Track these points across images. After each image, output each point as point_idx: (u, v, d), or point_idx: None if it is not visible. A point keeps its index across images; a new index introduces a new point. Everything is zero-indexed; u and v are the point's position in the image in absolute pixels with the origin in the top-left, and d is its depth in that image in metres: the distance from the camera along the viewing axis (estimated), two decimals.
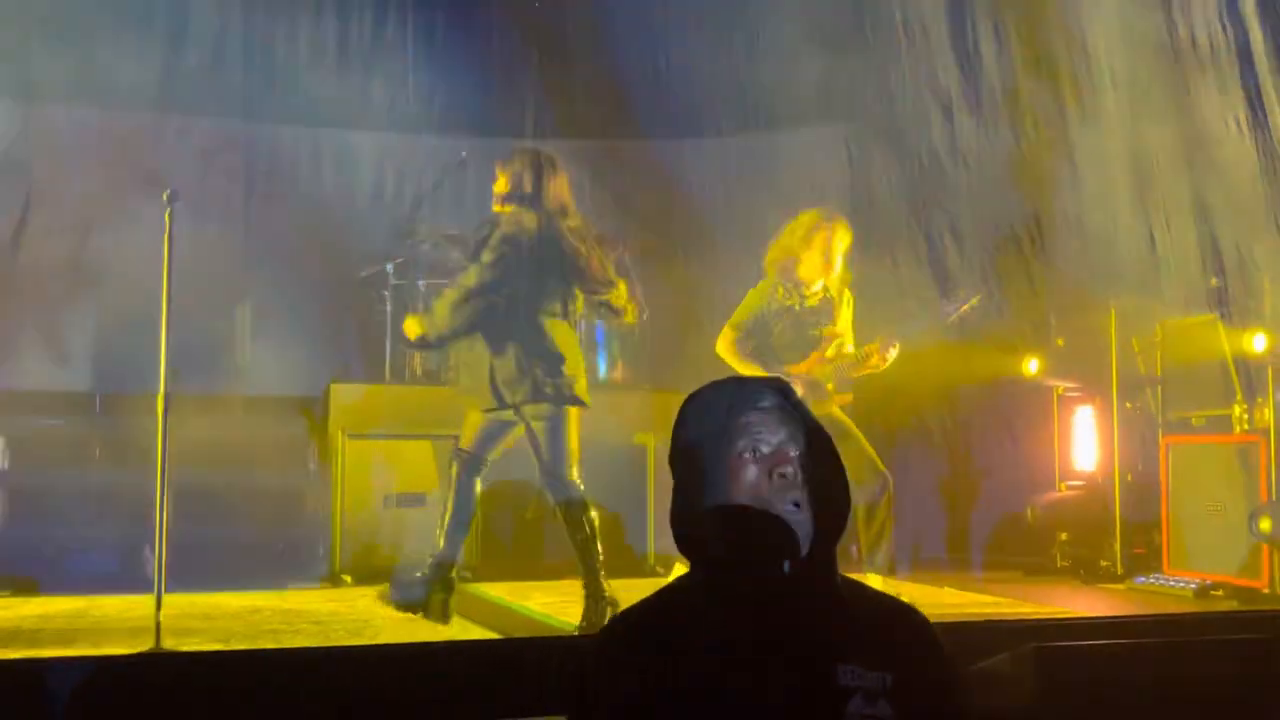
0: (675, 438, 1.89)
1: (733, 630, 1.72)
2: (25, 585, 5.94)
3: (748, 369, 5.19)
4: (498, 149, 8.52)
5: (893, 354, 5.19)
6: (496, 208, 5.05)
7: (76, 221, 6.89)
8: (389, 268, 7.74)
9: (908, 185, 7.18)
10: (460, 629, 4.89)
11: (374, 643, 4.51)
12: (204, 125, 7.73)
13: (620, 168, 8.46)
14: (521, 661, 4.05)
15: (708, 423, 1.83)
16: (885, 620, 1.82)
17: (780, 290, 5.36)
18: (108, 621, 4.96)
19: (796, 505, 1.77)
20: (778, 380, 1.89)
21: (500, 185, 5.06)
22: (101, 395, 7.25)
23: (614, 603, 4.72)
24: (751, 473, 1.78)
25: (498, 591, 5.97)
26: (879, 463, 5.17)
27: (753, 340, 5.34)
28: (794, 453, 1.80)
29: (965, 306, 5.27)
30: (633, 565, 6.62)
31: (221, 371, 6.87)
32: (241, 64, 7.55)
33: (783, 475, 1.78)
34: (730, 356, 5.33)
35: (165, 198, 4.41)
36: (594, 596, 4.78)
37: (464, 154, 8.01)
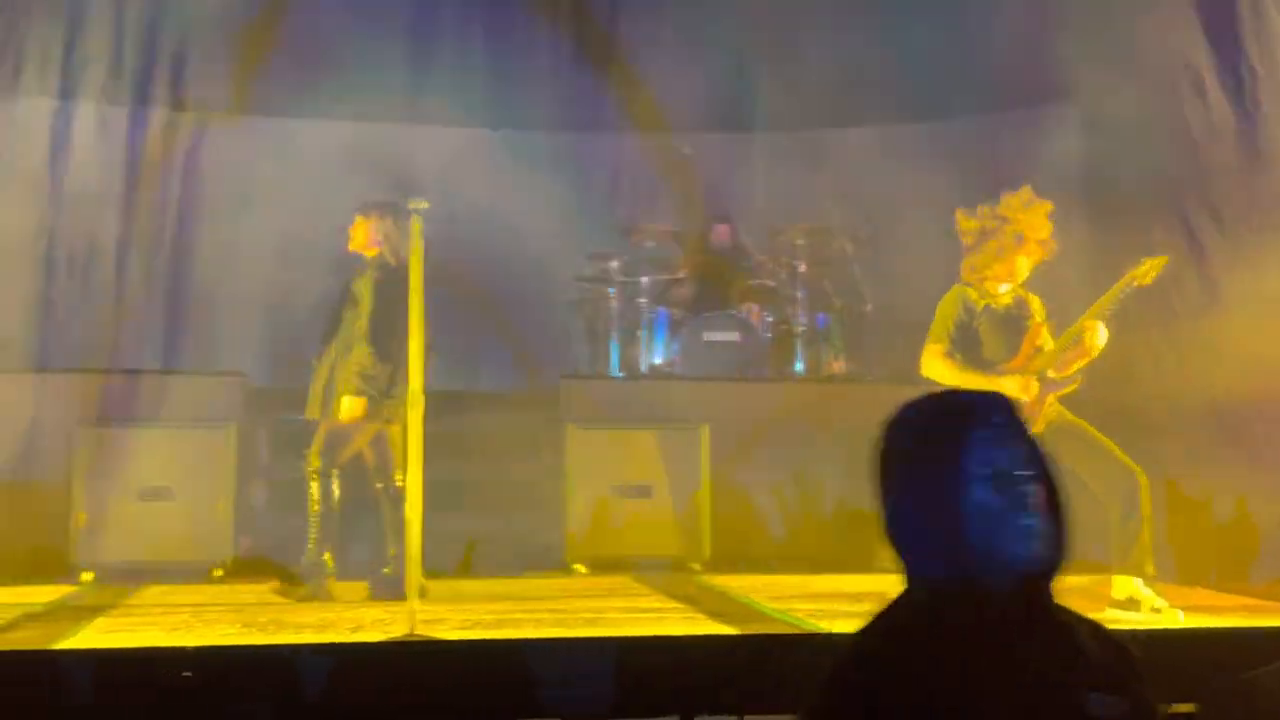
0: (892, 449, 1.85)
1: (974, 655, 1.68)
2: (288, 574, 6.37)
3: (969, 380, 4.95)
4: (723, 144, 8.65)
5: (1103, 335, 4.87)
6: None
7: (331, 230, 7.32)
8: (614, 265, 7.92)
9: (1147, 166, 6.77)
10: (692, 622, 4.93)
11: (609, 633, 4.58)
12: (449, 134, 8.08)
13: (841, 157, 8.35)
14: (759, 658, 4.07)
15: (933, 438, 1.79)
16: (1106, 644, 1.78)
17: (972, 292, 5.14)
18: (363, 608, 5.22)
19: (1030, 525, 1.73)
20: (1001, 396, 1.85)
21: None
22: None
23: None
24: (983, 492, 1.74)
25: (730, 585, 5.99)
26: (1127, 460, 4.88)
27: (959, 352, 5.11)
28: (1026, 471, 1.75)
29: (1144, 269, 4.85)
30: (867, 561, 6.52)
31: (462, 368, 7.16)
32: (481, 73, 7.84)
33: (1018, 494, 1.73)
34: (943, 372, 5.01)
35: (413, 205, 4.62)
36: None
37: (687, 150, 8.10)
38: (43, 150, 6.61)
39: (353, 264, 5.80)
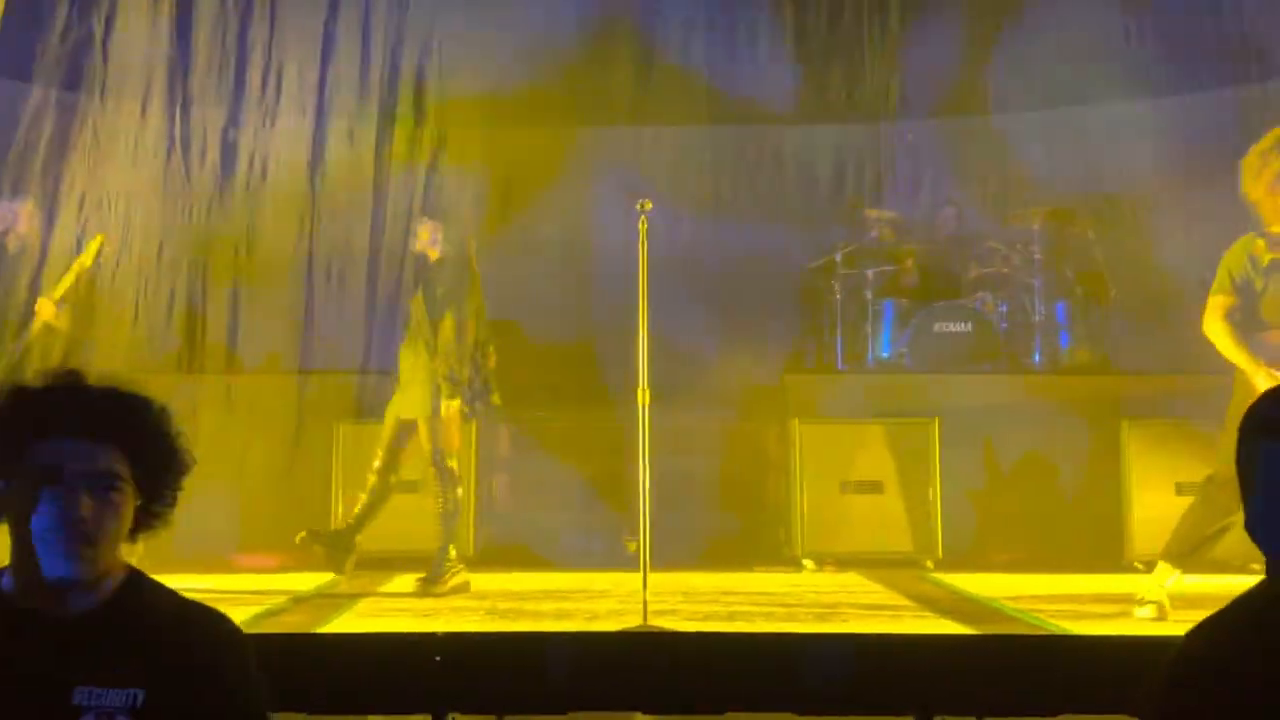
0: (1252, 441, 1.76)
1: None
2: (532, 562, 6.63)
3: (1240, 359, 4.56)
4: (950, 128, 8.41)
5: None
6: None
7: (564, 233, 7.59)
8: (837, 256, 7.82)
9: None
10: (927, 620, 4.83)
11: (840, 630, 4.54)
12: (673, 131, 8.19)
13: (1081, 136, 7.98)
14: (999, 659, 3.94)
15: None
16: None
17: (1261, 243, 4.69)
18: (599, 598, 5.36)
19: None
20: None
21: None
22: (579, 386, 7.91)
23: None
24: None
25: (965, 583, 5.83)
26: None
27: (1238, 310, 4.70)
28: None
29: None
30: (1108, 560, 6.24)
31: (687, 364, 7.24)
32: (703, 70, 7.90)
33: None
34: (1220, 335, 4.60)
35: (639, 206, 4.70)
36: None
37: (910, 137, 7.92)
38: (301, 167, 7.09)
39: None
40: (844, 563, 6.48)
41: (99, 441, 1.91)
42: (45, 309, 5.62)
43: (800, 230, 7.95)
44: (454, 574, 5.53)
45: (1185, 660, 1.71)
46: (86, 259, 5.72)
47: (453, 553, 5.60)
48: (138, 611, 1.97)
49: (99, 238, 5.84)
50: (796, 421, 6.72)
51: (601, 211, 6.79)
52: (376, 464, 5.80)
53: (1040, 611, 4.91)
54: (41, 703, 1.87)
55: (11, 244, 5.72)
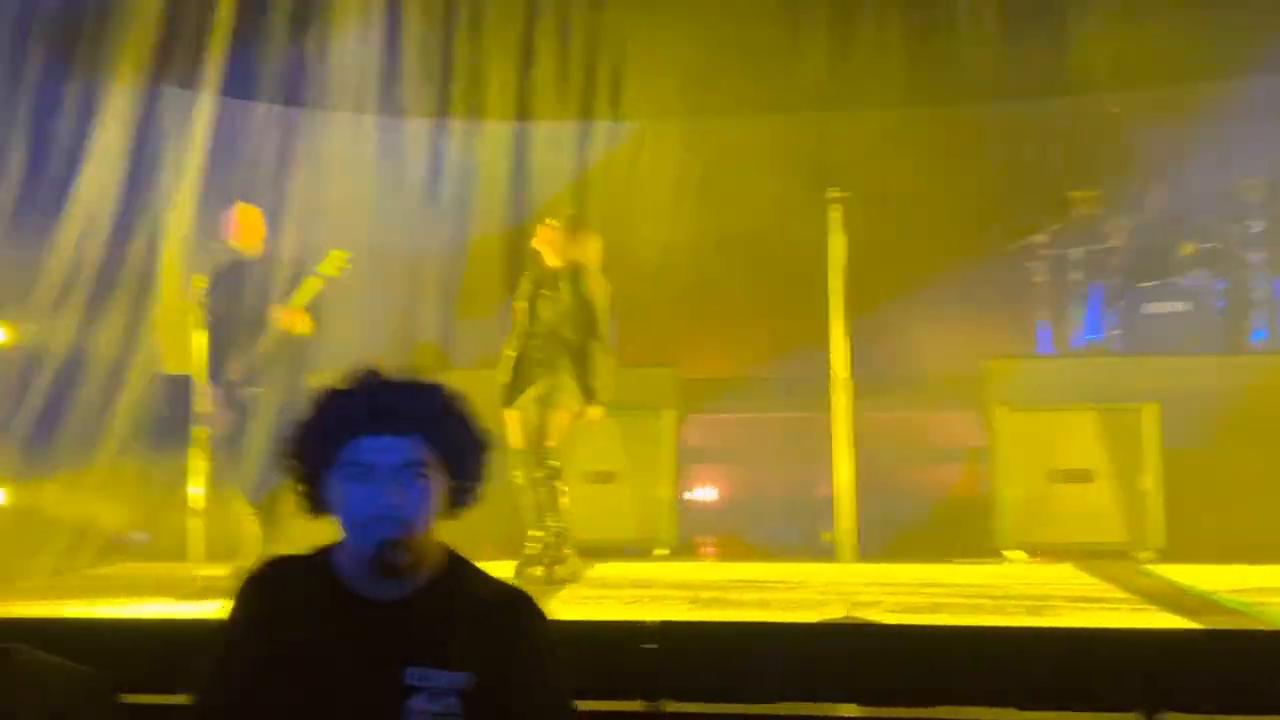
0: None
1: None
2: (730, 552, 6.68)
3: None
4: (1155, 99, 8.00)
5: None
6: None
7: (753, 225, 7.59)
8: (1040, 237, 7.56)
9: None
10: (1146, 614, 4.63)
11: (1052, 624, 4.40)
12: (867, 118, 8.08)
13: None
14: (1228, 654, 3.76)
15: None
16: None
17: None
18: (798, 588, 5.34)
19: None
20: None
21: None
22: (773, 378, 7.91)
23: None
24: None
25: (1185, 576, 5.56)
26: None
27: None
28: None
29: None
30: None
31: (884, 352, 7.15)
32: (899, 52, 7.75)
33: None
34: None
35: (831, 194, 4.67)
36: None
37: (1116, 109, 7.58)
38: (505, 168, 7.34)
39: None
40: (1052, 554, 6.28)
41: (401, 433, 2.04)
42: (280, 318, 5.96)
43: (1000, 211, 7.71)
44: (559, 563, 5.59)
45: None
46: (330, 269, 6.02)
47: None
48: (461, 595, 2.10)
49: (342, 253, 6.13)
50: (999, 408, 6.53)
51: (792, 201, 6.74)
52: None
53: (1267, 605, 4.65)
54: (377, 681, 2.01)
55: (240, 253, 6.10)
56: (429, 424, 2.07)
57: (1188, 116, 8.05)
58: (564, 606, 4.88)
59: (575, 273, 5.73)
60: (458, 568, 2.16)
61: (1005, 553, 6.36)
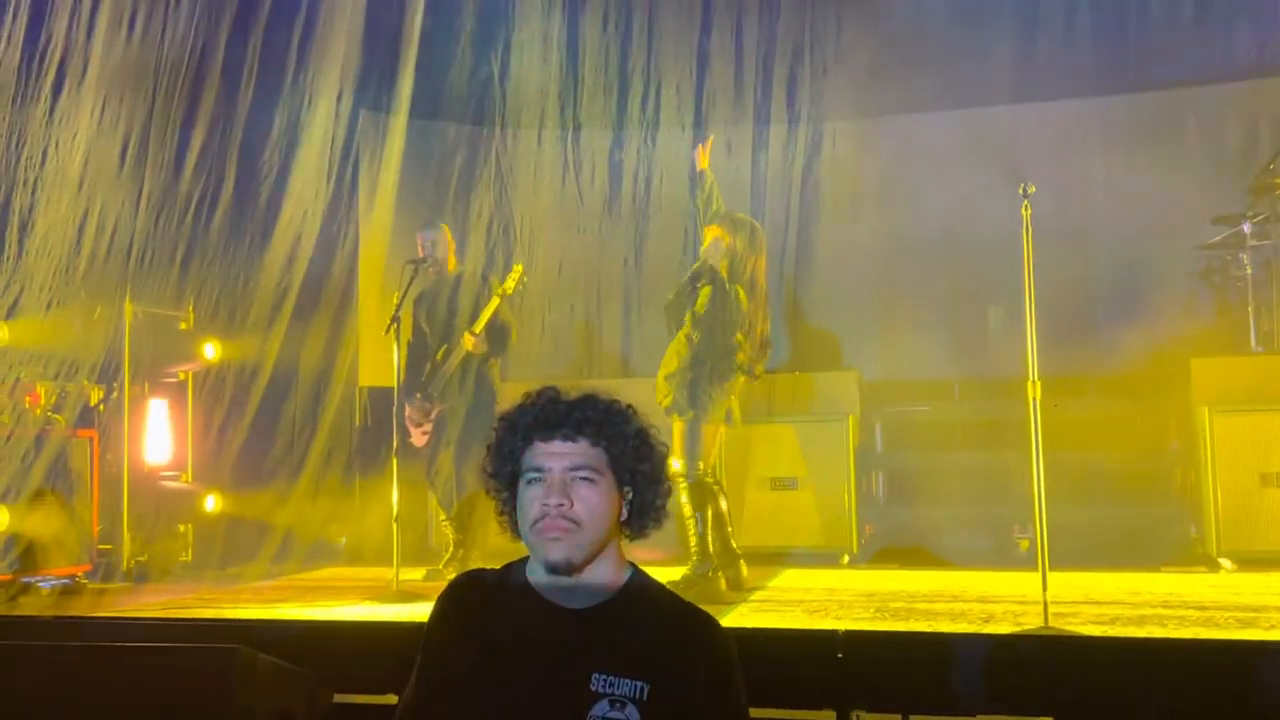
0: None
1: None
2: (919, 559, 6.55)
3: None
4: None
5: None
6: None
7: (943, 221, 7.43)
8: (1246, 228, 7.13)
9: None
10: None
11: (1266, 638, 4.15)
12: (1057, 110, 7.81)
13: None
14: None
15: None
16: None
17: None
18: (992, 599, 5.19)
19: None
20: None
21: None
22: (958, 381, 7.72)
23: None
24: None
25: None
26: None
27: None
28: None
29: None
30: None
31: (1083, 351, 6.88)
32: (1091, 39, 7.45)
33: None
34: None
35: (1022, 190, 4.53)
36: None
37: None
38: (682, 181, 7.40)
39: None
40: (1265, 563, 5.92)
41: (573, 440, 2.18)
42: (467, 340, 6.21)
43: (1203, 202, 7.31)
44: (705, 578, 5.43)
45: None
46: (508, 286, 6.23)
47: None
48: (643, 608, 2.20)
49: (518, 268, 6.33)
50: (1206, 409, 6.20)
51: (982, 197, 6.56)
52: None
53: None
54: (565, 683, 2.11)
55: (432, 270, 6.35)
56: (598, 430, 2.18)
57: None
58: (750, 615, 4.89)
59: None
60: (642, 582, 2.23)
61: (1220, 561, 6.03)
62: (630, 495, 2.22)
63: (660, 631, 2.16)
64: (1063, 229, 5.91)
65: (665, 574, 5.20)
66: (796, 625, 4.52)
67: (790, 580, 6.00)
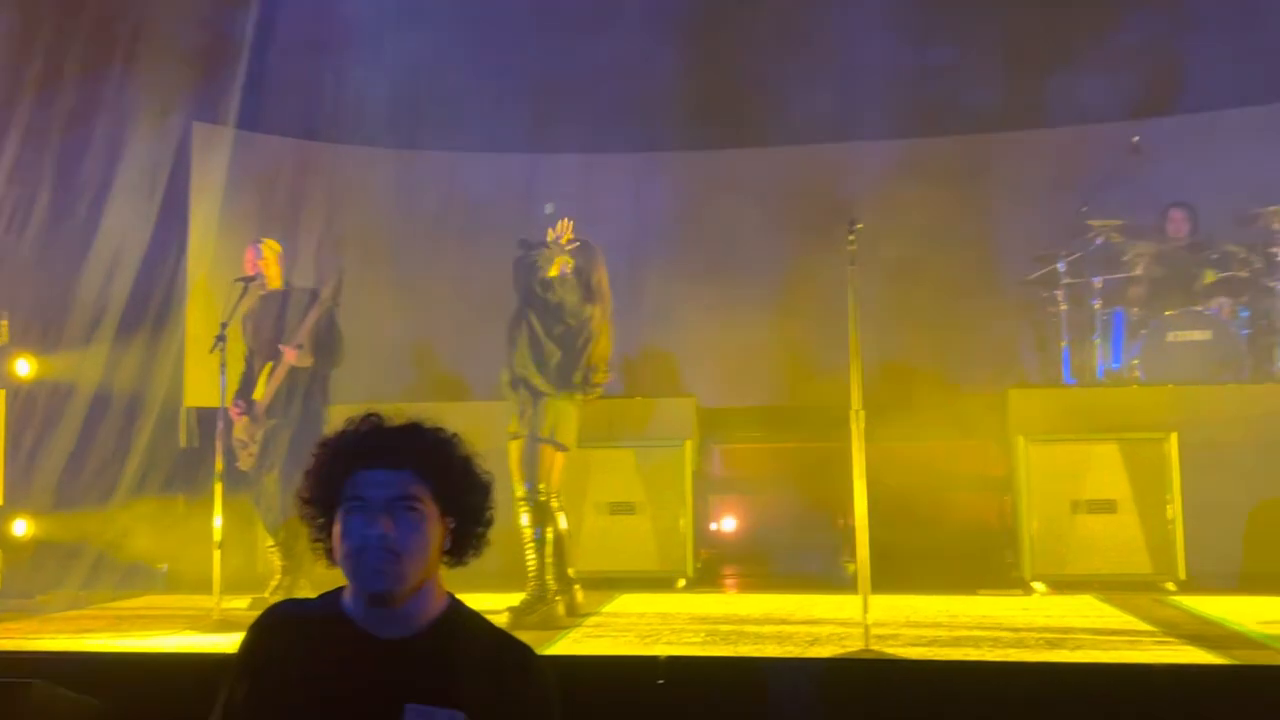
0: None
1: None
2: (751, 584, 6.65)
3: None
4: (1175, 127, 7.98)
5: None
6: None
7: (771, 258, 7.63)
8: (1061, 266, 7.53)
9: None
10: (1170, 648, 4.58)
11: (1075, 659, 4.36)
12: (880, 148, 8.10)
13: None
14: (1250, 689, 3.70)
15: None
16: None
17: None
18: (819, 622, 5.31)
19: None
20: None
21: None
22: (793, 408, 7.91)
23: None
24: None
25: (1210, 608, 5.50)
26: None
27: None
28: None
29: None
30: None
31: (903, 382, 7.13)
32: (916, 81, 7.76)
33: None
34: None
35: (849, 226, 4.68)
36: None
37: (1136, 138, 7.54)
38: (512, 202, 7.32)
39: None
40: (1075, 586, 6.22)
41: (396, 469, 2.12)
42: (289, 353, 6.06)
43: (1019, 240, 7.69)
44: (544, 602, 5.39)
45: None
46: (326, 298, 6.11)
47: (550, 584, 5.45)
48: (460, 637, 2.17)
49: (337, 278, 6.21)
50: (1023, 439, 6.48)
51: (810, 232, 6.77)
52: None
53: None
54: (378, 715, 2.07)
55: (261, 287, 6.18)
56: (421, 460, 2.14)
57: (1209, 143, 8.03)
58: (578, 643, 4.88)
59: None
60: (460, 612, 2.21)
61: (1033, 584, 6.30)
62: (453, 525, 2.20)
63: (477, 662, 2.14)
64: (887, 264, 6.12)
65: (505, 599, 5.25)
66: (628, 651, 4.53)
67: (625, 605, 6.01)
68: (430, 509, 2.14)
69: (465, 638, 2.18)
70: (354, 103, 7.56)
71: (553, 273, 5.54)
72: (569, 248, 5.56)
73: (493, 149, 8.16)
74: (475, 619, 2.23)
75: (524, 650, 2.21)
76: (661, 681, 3.36)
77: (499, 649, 2.19)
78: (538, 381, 5.50)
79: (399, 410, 2.23)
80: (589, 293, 5.57)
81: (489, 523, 2.25)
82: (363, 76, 7.40)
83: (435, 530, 2.16)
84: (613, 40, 7.39)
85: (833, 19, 7.65)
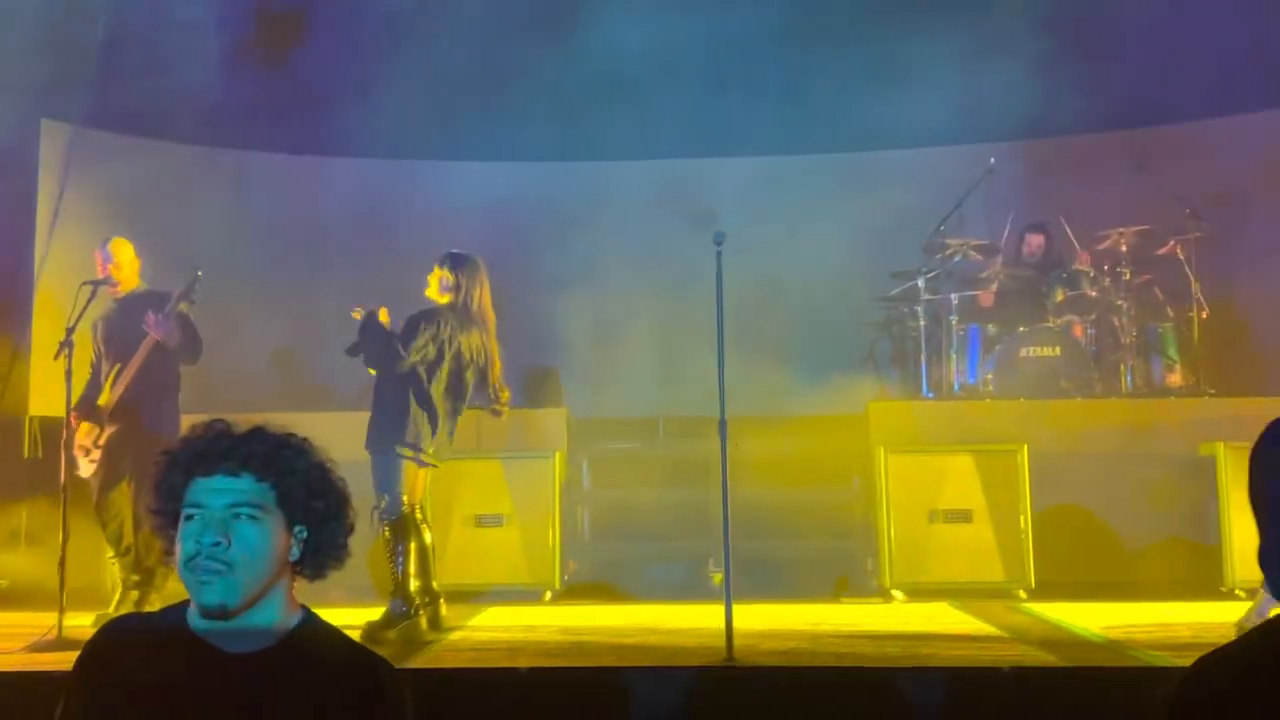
0: (1264, 470, 1.71)
1: None
2: (618, 594, 6.65)
3: None
4: (1030, 150, 8.31)
5: None
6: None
7: (634, 266, 7.67)
8: (920, 283, 7.75)
9: None
10: (1019, 652, 4.74)
11: (931, 664, 4.47)
12: (745, 165, 8.23)
13: (1168, 154, 7.84)
14: (1094, 690, 3.86)
15: None
16: None
17: None
18: (683, 632, 5.33)
19: None
20: None
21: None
22: (664, 419, 7.96)
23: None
24: None
25: (1057, 613, 5.72)
26: None
27: None
28: None
29: None
30: (1203, 588, 6.07)
31: (768, 394, 7.24)
32: (776, 100, 7.91)
33: None
34: None
35: (714, 240, 4.73)
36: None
37: (993, 160, 7.83)
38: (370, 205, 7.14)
39: None
40: (932, 593, 6.40)
41: (236, 475, 2.05)
42: (140, 354, 5.82)
43: (882, 257, 7.90)
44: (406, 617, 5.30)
45: (1188, 696, 1.67)
46: (178, 299, 5.90)
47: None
48: (310, 652, 2.08)
49: (196, 274, 6.01)
50: (882, 450, 6.65)
51: (675, 244, 6.84)
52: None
53: (1136, 641, 4.80)
54: None
55: (111, 289, 5.93)
56: (264, 466, 2.07)
57: (1061, 167, 8.39)
58: (442, 655, 4.80)
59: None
60: (313, 626, 2.14)
61: (892, 592, 6.45)
62: (304, 534, 2.13)
63: (329, 677, 2.08)
64: (753, 278, 6.22)
65: (368, 613, 5.13)
66: (491, 665, 4.48)
67: (491, 619, 5.95)
68: (273, 516, 2.07)
69: (318, 652, 2.11)
70: (200, 102, 7.33)
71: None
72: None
73: (347, 154, 8.03)
74: (330, 633, 2.17)
75: (378, 665, 2.15)
76: (523, 695, 3.33)
77: (353, 664, 2.13)
78: None
79: (250, 420, 2.16)
80: (473, 317, 5.52)
81: (346, 533, 2.18)
82: (210, 75, 7.18)
83: (279, 539, 2.08)
84: (471, 45, 7.35)
85: (698, 33, 7.74)
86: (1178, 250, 7.62)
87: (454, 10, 7.45)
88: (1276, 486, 1.68)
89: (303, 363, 8.15)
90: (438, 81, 7.50)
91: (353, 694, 2.07)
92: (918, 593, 6.42)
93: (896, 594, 6.45)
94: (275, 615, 2.09)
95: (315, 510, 2.12)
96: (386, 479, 5.37)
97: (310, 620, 2.15)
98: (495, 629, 5.61)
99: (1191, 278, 7.57)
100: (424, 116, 7.81)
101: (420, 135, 7.91)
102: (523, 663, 4.37)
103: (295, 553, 2.11)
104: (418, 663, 4.48)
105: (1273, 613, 1.72)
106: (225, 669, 2.04)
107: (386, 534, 5.34)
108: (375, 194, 7.89)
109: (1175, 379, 7.54)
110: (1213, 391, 7.24)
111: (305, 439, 2.16)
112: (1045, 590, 6.27)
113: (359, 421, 5.58)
